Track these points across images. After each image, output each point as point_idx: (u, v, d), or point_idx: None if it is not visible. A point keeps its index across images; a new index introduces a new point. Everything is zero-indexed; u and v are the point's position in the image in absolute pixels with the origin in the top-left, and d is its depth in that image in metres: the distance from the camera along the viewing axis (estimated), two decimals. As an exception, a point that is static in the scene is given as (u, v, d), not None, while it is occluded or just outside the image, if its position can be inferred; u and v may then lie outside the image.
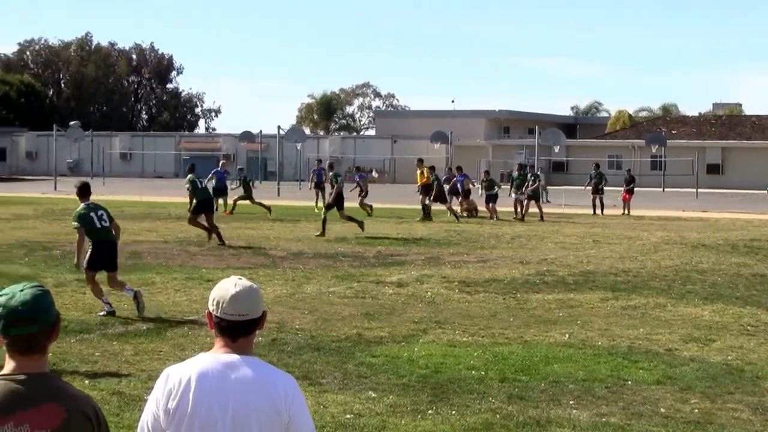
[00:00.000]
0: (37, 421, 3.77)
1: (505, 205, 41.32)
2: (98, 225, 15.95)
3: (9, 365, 3.85)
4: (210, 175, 40.90)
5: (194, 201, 30.00)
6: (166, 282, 19.35)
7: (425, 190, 39.59)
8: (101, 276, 15.96)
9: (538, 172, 46.95)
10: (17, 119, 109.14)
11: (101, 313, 15.55)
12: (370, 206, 40.99)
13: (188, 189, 31.56)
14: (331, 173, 33.23)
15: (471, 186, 43.50)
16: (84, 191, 16.27)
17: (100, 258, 15.98)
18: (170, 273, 20.79)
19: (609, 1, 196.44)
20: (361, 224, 30.91)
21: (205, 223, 27.61)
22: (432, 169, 41.22)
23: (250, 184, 42.49)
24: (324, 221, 30.65)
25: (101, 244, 15.99)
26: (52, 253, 24.25)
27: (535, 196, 40.98)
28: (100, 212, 16.05)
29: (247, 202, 40.52)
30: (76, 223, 15.99)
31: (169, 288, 18.57)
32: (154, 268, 21.48)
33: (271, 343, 13.20)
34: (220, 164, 42.82)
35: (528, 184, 41.01)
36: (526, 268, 22.66)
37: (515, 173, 42.59)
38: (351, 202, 40.69)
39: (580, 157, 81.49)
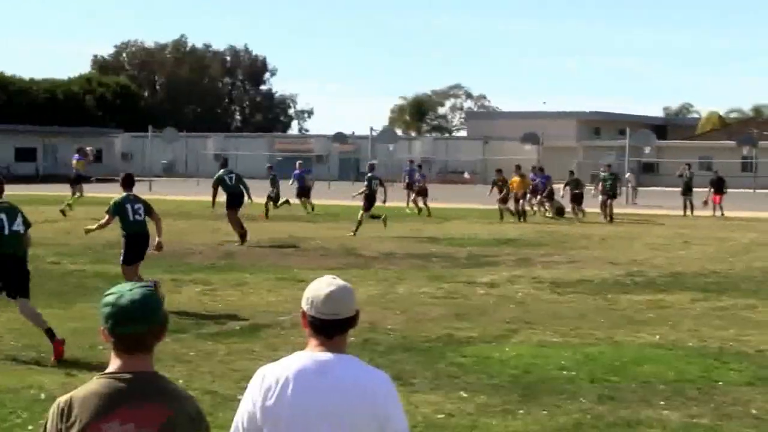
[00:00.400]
0: (141, 420, 3.80)
1: (591, 205, 41.04)
2: (131, 218, 16.28)
3: (115, 363, 3.89)
4: (292, 179, 41.54)
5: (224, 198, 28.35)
6: (258, 282, 19.59)
7: (522, 195, 40.04)
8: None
9: (627, 174, 46.45)
10: (113, 120, 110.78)
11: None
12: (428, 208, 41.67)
13: (213, 186, 28.85)
14: (369, 174, 33.09)
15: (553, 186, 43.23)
16: (127, 182, 16.72)
17: (134, 251, 16.42)
18: (262, 273, 21.03)
19: (701, 2, 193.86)
20: (355, 231, 30.63)
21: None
22: (500, 171, 41.59)
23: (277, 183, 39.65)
24: (383, 219, 30.99)
25: (134, 237, 16.36)
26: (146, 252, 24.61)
27: (613, 196, 40.72)
28: (137, 205, 16.38)
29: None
30: (109, 208, 16.41)
31: (262, 288, 18.79)
32: (246, 269, 21.75)
33: (363, 343, 13.30)
34: (297, 165, 43.30)
35: (602, 185, 40.78)
36: (615, 269, 22.57)
37: (603, 173, 42.20)
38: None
39: (671, 159, 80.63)
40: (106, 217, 16.50)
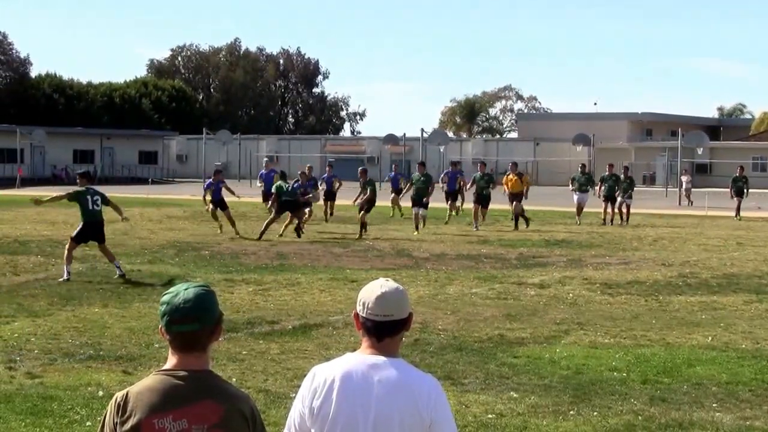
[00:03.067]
0: (194, 417, 3.88)
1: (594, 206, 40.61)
2: (90, 207, 19.36)
3: (171, 361, 3.99)
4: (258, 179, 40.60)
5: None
6: (311, 282, 19.69)
7: (517, 197, 35.34)
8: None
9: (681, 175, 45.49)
10: (169, 123, 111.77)
11: (61, 279, 18.87)
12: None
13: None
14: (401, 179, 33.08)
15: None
16: (85, 176, 20.11)
17: (88, 234, 19.50)
18: (315, 273, 21.15)
19: (755, 0, 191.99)
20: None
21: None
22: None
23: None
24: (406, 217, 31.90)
25: (89, 224, 19.41)
26: (200, 253, 24.87)
27: (612, 198, 37.89)
28: (95, 197, 19.54)
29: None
30: (69, 193, 19.77)
31: (315, 288, 18.86)
32: (299, 269, 21.88)
33: (414, 343, 13.39)
34: (264, 165, 41.61)
35: (621, 187, 38.31)
36: (668, 270, 22.48)
37: (604, 175, 38.99)
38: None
39: (724, 159, 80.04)
40: (64, 196, 19.80)
